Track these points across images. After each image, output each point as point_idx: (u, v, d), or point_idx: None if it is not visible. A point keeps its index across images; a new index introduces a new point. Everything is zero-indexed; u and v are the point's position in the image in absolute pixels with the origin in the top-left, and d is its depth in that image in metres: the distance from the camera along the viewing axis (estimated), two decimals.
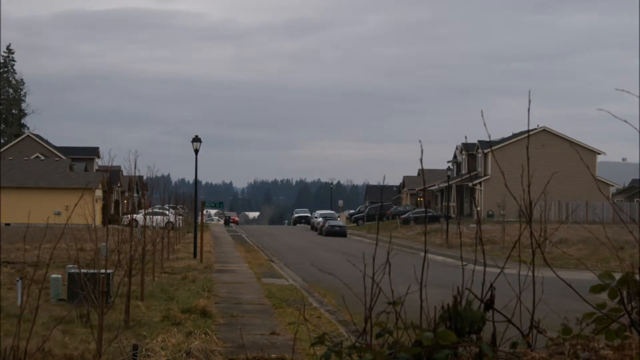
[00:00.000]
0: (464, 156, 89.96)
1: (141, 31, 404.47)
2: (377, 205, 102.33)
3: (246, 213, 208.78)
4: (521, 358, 3.61)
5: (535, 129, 78.51)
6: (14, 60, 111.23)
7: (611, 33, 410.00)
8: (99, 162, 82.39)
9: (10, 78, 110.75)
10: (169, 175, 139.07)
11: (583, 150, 79.49)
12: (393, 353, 3.46)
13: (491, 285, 3.81)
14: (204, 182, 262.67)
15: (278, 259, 44.49)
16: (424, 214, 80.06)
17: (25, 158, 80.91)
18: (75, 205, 10.43)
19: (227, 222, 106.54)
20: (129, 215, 33.34)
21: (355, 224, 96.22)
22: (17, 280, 20.35)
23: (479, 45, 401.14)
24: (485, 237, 51.99)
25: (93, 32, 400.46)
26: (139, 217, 30.83)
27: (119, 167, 54.44)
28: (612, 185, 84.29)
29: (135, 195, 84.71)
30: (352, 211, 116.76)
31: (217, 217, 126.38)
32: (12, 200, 60.30)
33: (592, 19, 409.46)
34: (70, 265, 21.92)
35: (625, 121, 4.81)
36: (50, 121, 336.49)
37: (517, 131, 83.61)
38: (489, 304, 3.77)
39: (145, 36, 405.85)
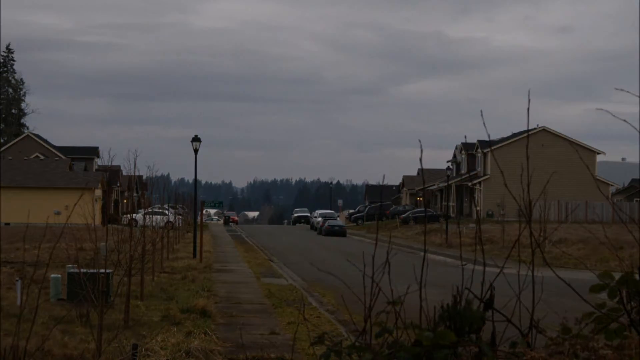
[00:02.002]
0: (463, 156, 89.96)
1: None
2: (376, 205, 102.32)
3: (246, 213, 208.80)
4: (521, 358, 3.61)
5: (534, 128, 78.51)
6: (13, 60, 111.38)
7: None
8: (99, 161, 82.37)
9: (10, 78, 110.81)
10: (168, 174, 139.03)
11: (583, 150, 79.49)
12: (392, 352, 3.46)
13: (491, 285, 3.81)
14: (203, 182, 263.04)
15: (277, 259, 44.49)
16: (423, 214, 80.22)
17: (25, 158, 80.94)
18: (75, 204, 10.44)
19: (227, 221, 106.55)
20: (128, 215, 33.34)
21: (354, 224, 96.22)
22: (17, 280, 20.35)
23: None
24: (485, 237, 51.98)
25: None
26: (138, 216, 30.82)
27: (119, 166, 54.42)
28: (612, 185, 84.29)
29: (134, 194, 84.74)
30: (351, 211, 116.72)
31: (216, 217, 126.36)
32: (12, 199, 60.30)
33: None
34: (70, 265, 21.91)
35: (624, 120, 4.81)
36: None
37: (516, 131, 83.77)
38: (489, 304, 3.77)
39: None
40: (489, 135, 4.66)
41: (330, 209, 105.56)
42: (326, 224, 75.50)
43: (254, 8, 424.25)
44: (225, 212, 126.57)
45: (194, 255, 40.87)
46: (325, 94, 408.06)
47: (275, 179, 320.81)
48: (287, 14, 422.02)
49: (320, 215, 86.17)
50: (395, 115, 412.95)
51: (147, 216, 28.23)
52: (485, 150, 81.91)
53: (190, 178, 65.78)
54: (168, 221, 45.26)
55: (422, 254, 3.96)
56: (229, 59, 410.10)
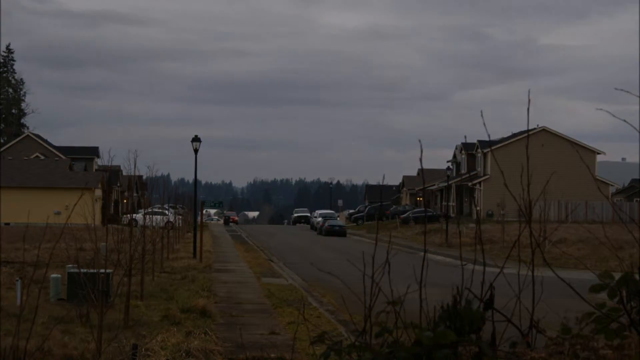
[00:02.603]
0: (463, 156, 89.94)
1: None
2: (376, 205, 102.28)
3: (246, 213, 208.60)
4: (520, 357, 3.61)
5: (534, 128, 78.48)
6: (13, 60, 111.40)
7: None
8: (99, 161, 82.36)
9: (10, 78, 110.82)
10: (168, 174, 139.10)
11: (583, 150, 79.49)
12: (392, 352, 3.46)
13: (491, 284, 3.81)
14: (203, 182, 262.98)
15: (277, 259, 44.48)
16: (423, 214, 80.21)
17: (25, 158, 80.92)
18: (75, 204, 10.44)
19: (227, 221, 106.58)
20: (128, 215, 33.33)
21: (354, 224, 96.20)
22: (17, 280, 20.35)
23: None
24: (485, 237, 51.96)
25: None
26: (138, 216, 30.82)
27: (119, 166, 54.47)
28: (612, 185, 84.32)
29: (134, 194, 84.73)
30: (351, 211, 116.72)
31: (216, 217, 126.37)
32: (12, 199, 60.28)
33: None
34: (70, 265, 21.91)
35: (624, 120, 4.81)
36: None
37: (516, 131, 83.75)
38: (489, 304, 3.77)
39: None
40: (489, 136, 4.67)
41: (330, 209, 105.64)
42: (326, 224, 75.51)
43: (370, 19, 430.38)
44: (225, 212, 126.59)
45: (194, 255, 40.87)
46: (400, 100, 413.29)
47: (275, 179, 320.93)
48: (399, 24, 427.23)
49: (320, 215, 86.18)
50: (442, 118, 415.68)
51: (147, 216, 28.23)
52: (485, 150, 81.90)
53: (190, 178, 65.71)
54: (168, 221, 45.27)
55: (422, 254, 3.96)
56: (328, 66, 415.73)
